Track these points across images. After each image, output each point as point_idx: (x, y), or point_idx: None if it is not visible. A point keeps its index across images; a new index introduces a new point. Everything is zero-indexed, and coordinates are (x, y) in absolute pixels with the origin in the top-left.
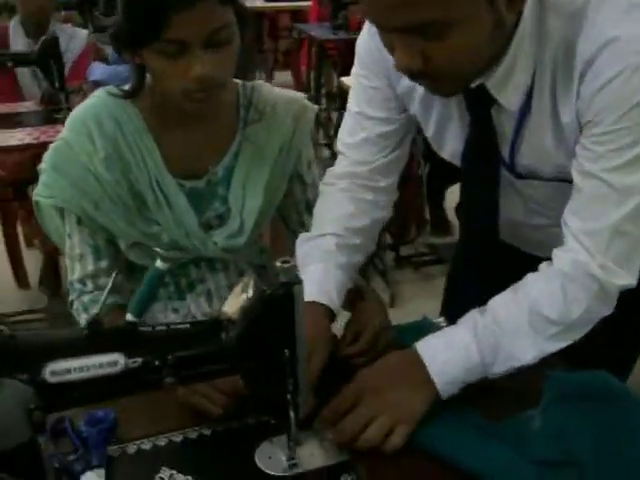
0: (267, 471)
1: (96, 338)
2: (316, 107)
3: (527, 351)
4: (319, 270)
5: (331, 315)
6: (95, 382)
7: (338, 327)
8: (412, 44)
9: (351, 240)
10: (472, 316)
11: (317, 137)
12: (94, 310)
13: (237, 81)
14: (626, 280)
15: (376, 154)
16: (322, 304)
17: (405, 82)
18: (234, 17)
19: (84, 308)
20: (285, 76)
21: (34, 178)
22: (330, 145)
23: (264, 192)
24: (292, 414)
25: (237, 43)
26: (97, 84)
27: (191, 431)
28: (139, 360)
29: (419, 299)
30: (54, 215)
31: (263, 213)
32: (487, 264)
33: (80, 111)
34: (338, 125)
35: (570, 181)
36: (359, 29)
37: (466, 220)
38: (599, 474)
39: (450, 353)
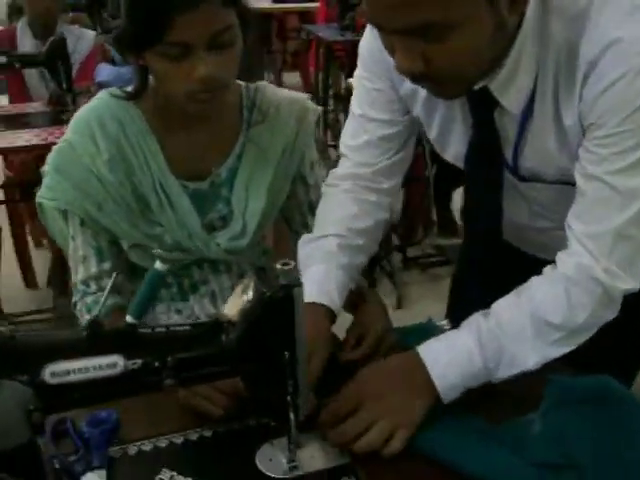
0: (267, 473)
1: (96, 339)
2: (319, 108)
3: (530, 356)
4: (320, 271)
5: (332, 316)
6: (95, 383)
7: (339, 328)
8: (413, 46)
9: (354, 241)
10: (475, 320)
11: (324, 138)
12: (97, 311)
13: (240, 82)
14: (630, 284)
15: (379, 156)
16: (323, 305)
17: (408, 84)
18: (237, 19)
19: (87, 309)
20: (293, 77)
21: (40, 179)
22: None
23: (267, 194)
24: (292, 416)
25: (240, 44)
26: (104, 85)
27: (192, 433)
28: (139, 362)
29: (426, 300)
30: (57, 217)
31: (266, 215)
32: (491, 266)
33: (83, 113)
34: None
35: (573, 184)
36: None
37: (470, 222)
38: (599, 477)
39: (452, 357)
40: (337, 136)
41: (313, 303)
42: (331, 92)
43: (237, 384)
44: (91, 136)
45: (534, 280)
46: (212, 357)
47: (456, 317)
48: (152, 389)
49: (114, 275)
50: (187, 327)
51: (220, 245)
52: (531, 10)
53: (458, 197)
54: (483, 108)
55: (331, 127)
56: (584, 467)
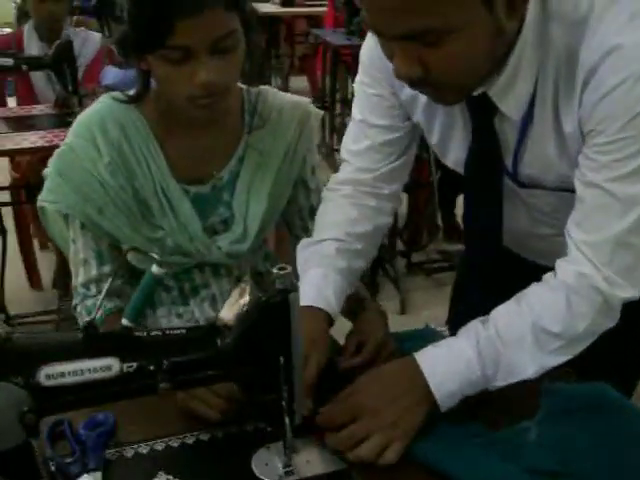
0: (263, 477)
1: (91, 342)
2: (322, 112)
3: (529, 365)
4: (318, 275)
5: (329, 320)
6: (90, 386)
7: (339, 334)
8: (411, 52)
9: (352, 245)
10: (474, 327)
11: (331, 142)
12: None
13: (242, 86)
14: (629, 292)
15: (380, 162)
16: (320, 309)
17: (408, 90)
18: (239, 24)
19: (87, 312)
20: (301, 81)
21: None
22: None
23: (268, 197)
24: (287, 421)
25: (242, 49)
26: (110, 88)
27: (189, 436)
28: (134, 365)
29: (430, 306)
30: (58, 220)
31: (267, 218)
32: (491, 272)
33: (85, 117)
34: None
35: (574, 191)
36: None
37: (469, 228)
38: None
39: (450, 365)
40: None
41: (310, 307)
42: (338, 96)
43: (234, 388)
44: (92, 140)
45: (534, 287)
46: (207, 361)
47: (456, 323)
48: (147, 392)
49: (110, 279)
50: (183, 330)
51: (221, 249)
52: (531, 16)
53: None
54: (483, 114)
55: (337, 131)
56: (581, 474)
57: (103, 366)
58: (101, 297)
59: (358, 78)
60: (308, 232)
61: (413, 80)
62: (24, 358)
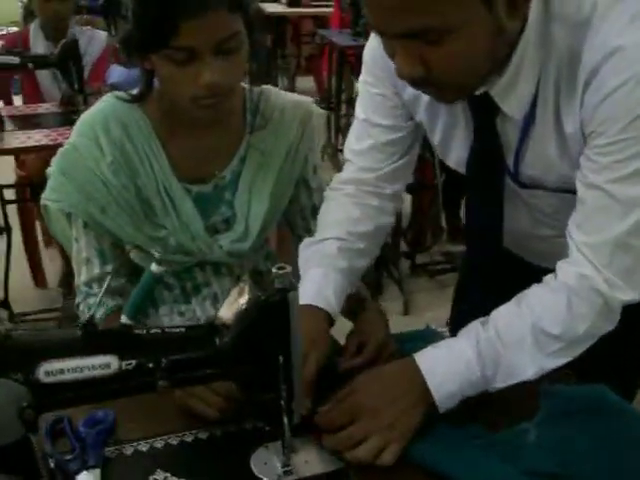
0: (261, 477)
1: (90, 340)
2: (323, 112)
3: (529, 367)
4: (319, 274)
5: (329, 319)
6: (88, 383)
7: (339, 334)
8: (412, 51)
9: (354, 244)
10: (474, 328)
11: (336, 142)
12: (99, 313)
13: (244, 86)
14: (629, 295)
15: (382, 161)
16: (320, 308)
17: (411, 89)
18: (243, 25)
19: (90, 310)
20: (307, 81)
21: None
22: None
23: (270, 197)
24: (286, 420)
25: (246, 50)
26: (115, 87)
27: (188, 434)
28: (133, 362)
29: (434, 307)
30: (61, 219)
31: (269, 218)
32: (491, 272)
33: (88, 116)
34: None
35: (575, 192)
36: None
37: (470, 228)
38: None
39: (450, 366)
40: None
41: (310, 306)
42: (343, 97)
43: (233, 387)
44: (95, 139)
45: (534, 288)
46: (206, 359)
47: (457, 324)
48: (146, 390)
49: (109, 277)
50: (182, 329)
51: (223, 248)
52: (534, 16)
53: None
54: (485, 114)
55: (343, 132)
56: (580, 477)
57: (102, 363)
58: (100, 294)
59: (361, 78)
60: (310, 232)
61: (414, 79)
62: (24, 355)
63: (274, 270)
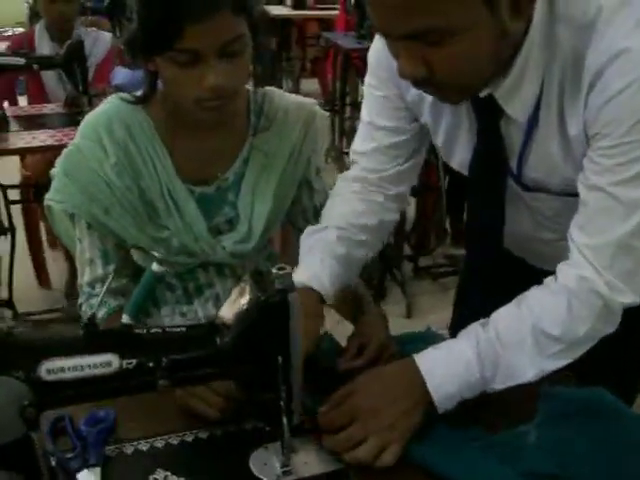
0: (261, 477)
1: (92, 338)
2: (326, 113)
3: (528, 368)
4: (315, 258)
5: (322, 301)
6: (89, 381)
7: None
8: (415, 51)
9: (355, 235)
10: (474, 329)
11: (340, 145)
12: (101, 312)
13: (248, 87)
14: (630, 298)
15: (387, 163)
16: (313, 289)
17: (415, 90)
18: (247, 28)
19: (92, 310)
20: (312, 84)
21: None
22: None
23: (273, 198)
24: (285, 421)
25: (250, 52)
26: (120, 88)
27: (188, 434)
28: (133, 361)
29: (437, 310)
30: (65, 220)
31: (271, 218)
32: (491, 274)
33: (92, 117)
34: None
35: (578, 195)
36: None
37: (471, 230)
38: None
39: (450, 367)
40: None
41: (303, 286)
42: (348, 100)
43: (232, 387)
44: (99, 141)
45: (534, 290)
46: (207, 359)
47: (458, 326)
48: (146, 389)
49: (110, 277)
50: (183, 329)
51: (226, 249)
52: (538, 18)
53: None
54: (488, 116)
55: (347, 135)
56: (579, 478)
57: (103, 362)
58: (101, 294)
59: (366, 80)
60: None
61: (417, 80)
62: (25, 353)
63: (274, 271)
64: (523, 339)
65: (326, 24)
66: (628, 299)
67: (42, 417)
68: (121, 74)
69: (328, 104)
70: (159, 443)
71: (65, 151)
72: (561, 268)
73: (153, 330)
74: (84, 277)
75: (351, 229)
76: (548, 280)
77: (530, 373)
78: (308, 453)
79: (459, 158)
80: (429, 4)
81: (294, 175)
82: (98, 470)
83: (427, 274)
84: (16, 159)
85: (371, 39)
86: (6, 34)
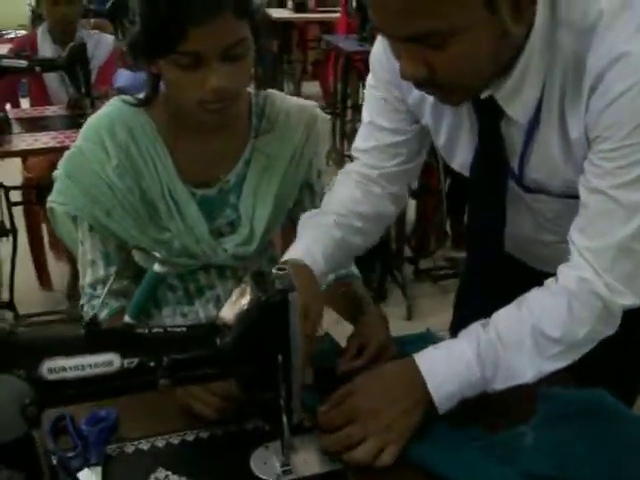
0: (261, 476)
1: (93, 338)
2: (327, 116)
3: (527, 369)
4: (310, 237)
5: (314, 276)
6: (91, 381)
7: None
8: (416, 53)
9: (352, 222)
10: (474, 329)
11: (341, 148)
12: (103, 313)
13: (250, 90)
14: (630, 300)
15: (386, 161)
16: (306, 264)
17: (416, 92)
18: (250, 31)
19: (94, 311)
20: (313, 86)
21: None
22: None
23: (274, 200)
24: (285, 420)
25: (252, 55)
26: (122, 91)
27: (189, 434)
28: (135, 361)
29: (437, 312)
30: (67, 221)
31: (272, 220)
32: (492, 276)
33: (94, 120)
34: None
35: (579, 198)
36: None
37: (472, 232)
38: None
39: (450, 366)
40: None
41: (296, 262)
42: (349, 102)
43: (230, 387)
44: (101, 143)
45: (535, 292)
46: (207, 359)
47: (458, 328)
48: (147, 388)
49: (112, 278)
50: (183, 329)
51: (227, 251)
52: (539, 22)
53: None
54: (490, 117)
55: (348, 137)
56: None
57: (104, 361)
58: (103, 295)
59: (367, 81)
60: None
61: (418, 80)
62: (27, 352)
63: (274, 271)
64: (523, 340)
65: (327, 27)
66: (628, 301)
67: (43, 416)
68: (123, 76)
69: (329, 107)
70: (160, 442)
71: (67, 153)
72: (561, 270)
73: (154, 330)
74: (86, 278)
75: (349, 215)
76: (548, 282)
77: (530, 374)
78: (308, 452)
79: (460, 159)
80: (430, 7)
81: (295, 177)
82: (99, 469)
83: (427, 276)
84: (18, 161)
85: (372, 42)
86: (8, 37)
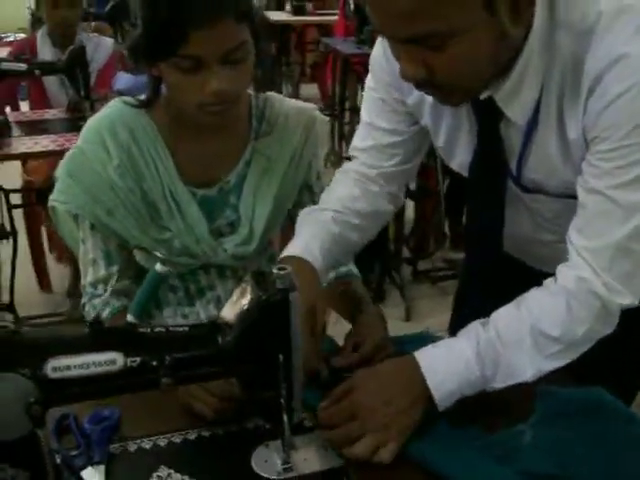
0: (262, 474)
1: (97, 337)
2: (326, 118)
3: (527, 368)
4: (308, 233)
5: (314, 271)
6: (94, 379)
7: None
8: (416, 54)
9: (350, 219)
10: (474, 328)
11: (339, 150)
12: (105, 313)
13: (250, 92)
14: (628, 299)
15: (384, 161)
16: (305, 260)
17: (416, 93)
18: (250, 34)
19: (94, 310)
20: (311, 89)
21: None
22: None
23: (274, 201)
24: (286, 418)
25: (252, 59)
26: (122, 94)
27: (191, 432)
28: (137, 360)
29: (435, 314)
30: (69, 220)
31: (272, 220)
32: (490, 276)
33: (95, 120)
34: None
35: (577, 198)
36: None
37: (471, 232)
38: None
39: (450, 365)
40: None
41: (295, 257)
42: (347, 105)
43: (231, 388)
44: (102, 143)
45: (534, 292)
46: (209, 358)
47: (457, 328)
48: (150, 387)
49: (115, 277)
50: (185, 328)
51: (227, 251)
52: (538, 24)
53: None
54: (489, 118)
55: (346, 139)
56: (577, 478)
57: (107, 360)
58: (107, 294)
59: (367, 81)
60: None
61: (418, 81)
62: (32, 351)
63: (275, 271)
64: (522, 339)
65: (325, 30)
66: (626, 300)
67: (47, 416)
68: (123, 79)
69: (327, 109)
70: (162, 441)
71: (68, 153)
72: (560, 270)
73: (157, 329)
74: (87, 277)
75: (347, 212)
76: (547, 281)
77: (529, 372)
78: (308, 450)
79: (459, 160)
80: (430, 10)
81: (295, 179)
82: (102, 467)
83: (426, 277)
84: (18, 164)
85: (370, 44)
86: (8, 40)
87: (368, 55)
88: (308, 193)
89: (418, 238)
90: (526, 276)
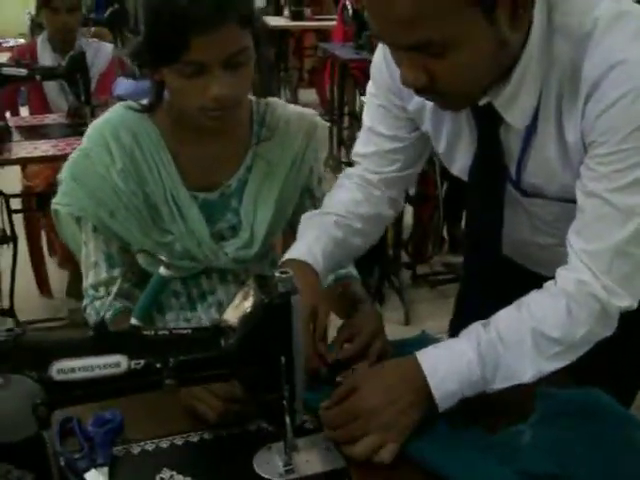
0: (264, 475)
1: (101, 340)
2: (327, 124)
3: (527, 369)
4: (311, 236)
5: (316, 275)
6: (99, 381)
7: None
8: (416, 61)
9: (352, 223)
10: (475, 329)
11: (338, 155)
12: (106, 315)
13: (251, 97)
14: (627, 301)
15: (386, 166)
16: (307, 263)
17: (416, 99)
18: (251, 40)
19: (96, 313)
20: (310, 94)
21: (56, 189)
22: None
23: (275, 205)
24: (288, 420)
25: (253, 63)
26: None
27: (193, 435)
28: (141, 362)
29: (435, 317)
30: (71, 223)
31: (273, 224)
32: (490, 278)
33: (98, 124)
34: None
35: (576, 202)
36: None
37: (470, 235)
38: None
39: (452, 365)
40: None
41: (297, 260)
42: (346, 110)
43: (233, 390)
44: (106, 146)
45: (534, 294)
46: (212, 360)
47: (457, 330)
48: (153, 388)
49: (119, 281)
50: (189, 330)
51: (228, 254)
52: (536, 30)
53: None
54: (488, 123)
55: (345, 144)
56: (576, 478)
57: (112, 363)
58: (111, 297)
59: (368, 88)
60: None
61: (418, 88)
62: (37, 353)
63: (277, 274)
64: (523, 340)
65: (323, 35)
66: (625, 303)
67: (52, 417)
68: (123, 85)
69: (326, 114)
70: (165, 443)
71: (72, 156)
72: (560, 272)
73: (160, 332)
74: (88, 280)
75: (349, 216)
76: (547, 284)
77: (529, 374)
78: (310, 452)
79: (459, 164)
80: (430, 18)
81: (296, 183)
82: (106, 470)
83: (425, 281)
84: (18, 169)
85: (369, 49)
86: (8, 45)
87: (366, 60)
88: (309, 198)
89: (417, 243)
90: (526, 279)
